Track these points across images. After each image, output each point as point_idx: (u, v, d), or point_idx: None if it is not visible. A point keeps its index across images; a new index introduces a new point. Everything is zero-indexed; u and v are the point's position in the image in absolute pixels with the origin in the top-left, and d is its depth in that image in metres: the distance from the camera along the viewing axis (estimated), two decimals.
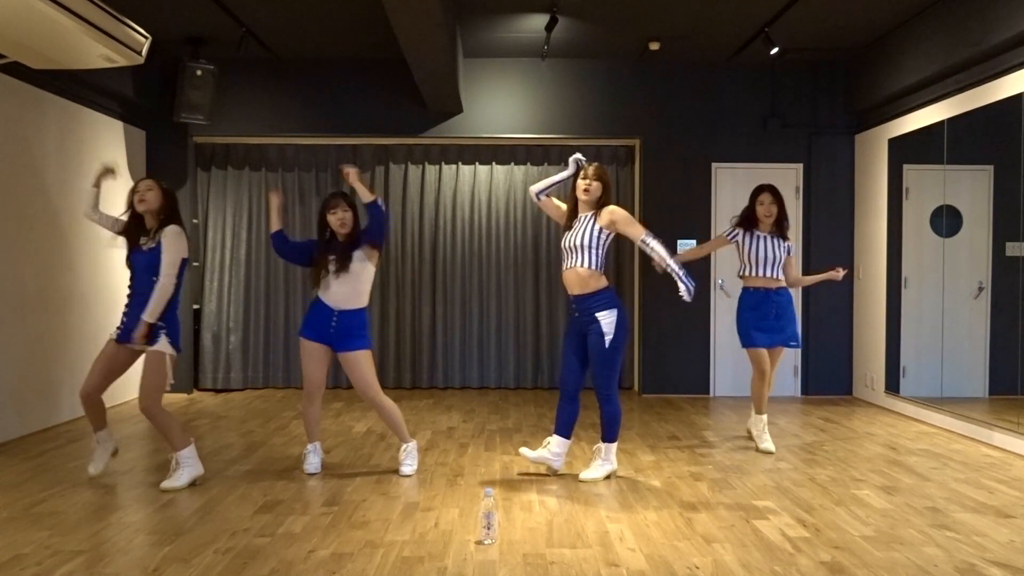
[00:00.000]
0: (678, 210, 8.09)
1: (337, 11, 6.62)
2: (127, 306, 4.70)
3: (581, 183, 4.79)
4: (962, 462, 5.34)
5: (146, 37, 5.32)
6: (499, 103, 8.14)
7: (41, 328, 6.27)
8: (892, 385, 7.34)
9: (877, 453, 5.60)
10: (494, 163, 8.50)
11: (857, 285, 8.04)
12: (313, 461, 5.00)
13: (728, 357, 8.11)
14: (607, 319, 4.67)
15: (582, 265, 4.72)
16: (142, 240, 4.69)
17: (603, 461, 4.87)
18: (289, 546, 3.67)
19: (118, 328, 4.70)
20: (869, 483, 4.80)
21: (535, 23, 6.92)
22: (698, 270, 8.04)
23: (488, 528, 3.71)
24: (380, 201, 4.84)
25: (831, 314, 8.12)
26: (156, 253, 4.60)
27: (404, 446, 5.01)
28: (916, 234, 7.09)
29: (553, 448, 4.91)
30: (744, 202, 8.16)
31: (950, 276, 6.60)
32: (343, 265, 4.82)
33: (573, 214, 4.86)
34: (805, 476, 4.97)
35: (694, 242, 8.11)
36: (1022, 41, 5.52)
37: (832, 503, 4.38)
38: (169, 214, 4.70)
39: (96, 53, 5.08)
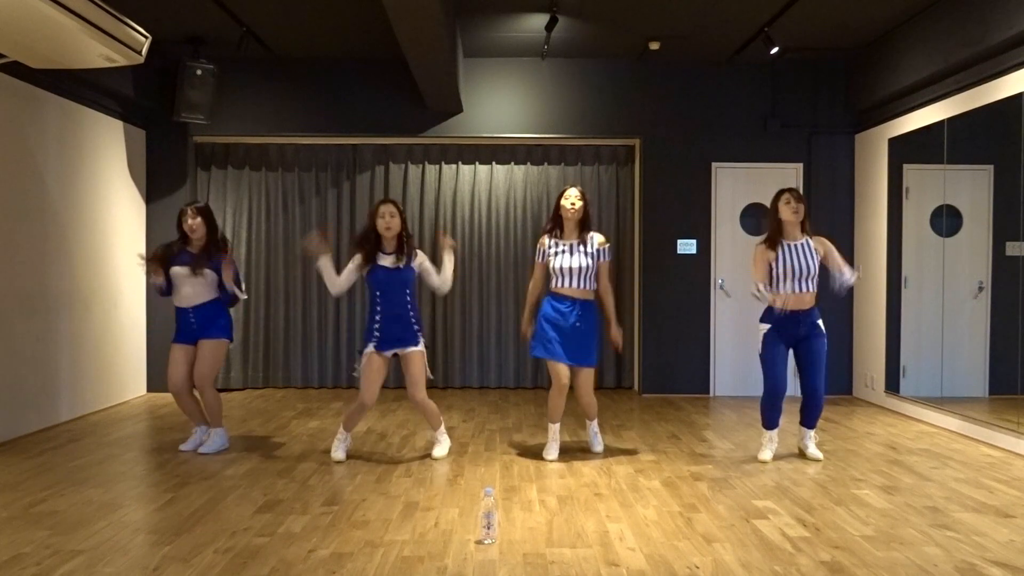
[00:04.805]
0: (678, 210, 8.09)
1: (337, 11, 6.62)
2: (380, 319, 5.13)
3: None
4: (962, 462, 5.34)
5: (146, 37, 5.32)
6: (499, 103, 8.14)
7: (41, 328, 6.27)
8: (892, 385, 7.34)
9: (877, 453, 5.60)
10: (494, 163, 8.50)
11: (857, 285, 8.03)
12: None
13: (728, 357, 8.11)
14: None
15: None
16: (386, 260, 5.15)
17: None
18: (289, 546, 3.67)
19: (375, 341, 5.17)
20: (869, 483, 4.80)
21: (535, 23, 6.92)
22: (698, 270, 8.08)
23: (488, 528, 3.71)
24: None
25: (831, 314, 8.07)
26: (407, 270, 5.16)
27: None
28: (916, 234, 7.09)
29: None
30: (744, 202, 8.12)
31: (950, 276, 6.60)
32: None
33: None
34: (805, 476, 4.97)
35: (695, 242, 8.14)
36: (1022, 41, 5.52)
37: (832, 503, 4.39)
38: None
39: (96, 53, 5.08)
